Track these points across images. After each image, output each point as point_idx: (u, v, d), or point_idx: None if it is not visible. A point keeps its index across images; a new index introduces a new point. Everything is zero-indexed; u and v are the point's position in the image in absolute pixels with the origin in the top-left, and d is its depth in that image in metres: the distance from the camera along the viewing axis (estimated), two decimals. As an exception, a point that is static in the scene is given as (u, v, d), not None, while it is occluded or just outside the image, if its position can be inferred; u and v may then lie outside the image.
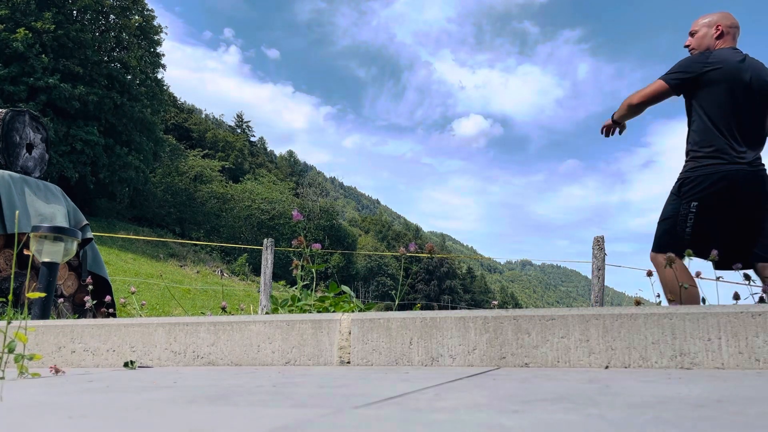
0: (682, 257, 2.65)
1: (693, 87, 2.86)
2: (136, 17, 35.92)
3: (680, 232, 2.77)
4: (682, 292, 2.56)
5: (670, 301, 2.61)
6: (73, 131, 30.86)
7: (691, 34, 3.08)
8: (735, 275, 2.57)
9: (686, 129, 2.98)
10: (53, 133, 29.00)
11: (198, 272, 26.74)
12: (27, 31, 28.77)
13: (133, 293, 3.57)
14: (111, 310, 3.74)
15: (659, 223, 2.88)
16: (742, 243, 2.78)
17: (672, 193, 2.88)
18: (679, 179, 2.87)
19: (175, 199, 41.24)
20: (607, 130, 3.20)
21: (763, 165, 2.87)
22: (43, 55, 29.57)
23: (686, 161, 2.89)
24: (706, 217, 2.74)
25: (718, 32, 2.98)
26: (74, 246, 3.46)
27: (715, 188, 2.74)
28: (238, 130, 77.75)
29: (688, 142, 2.93)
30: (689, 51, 3.07)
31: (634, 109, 3.01)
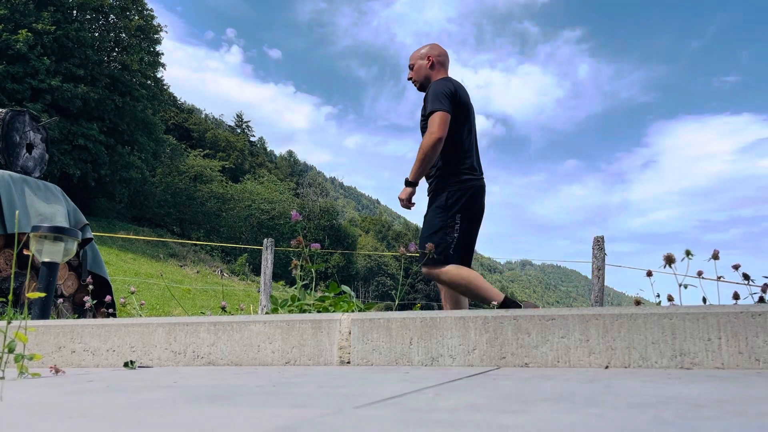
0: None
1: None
2: (136, 17, 35.93)
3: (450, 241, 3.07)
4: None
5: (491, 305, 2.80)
6: (74, 128, 30.93)
7: (411, 68, 3.35)
8: (735, 275, 2.57)
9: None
10: (56, 132, 29.05)
11: (198, 272, 26.74)
12: (29, 33, 28.82)
13: (133, 293, 3.57)
14: (111, 310, 3.74)
15: (431, 237, 3.07)
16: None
17: (438, 207, 3.09)
18: (442, 193, 3.10)
19: (175, 199, 41.22)
20: (408, 200, 3.17)
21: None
22: (45, 58, 29.63)
23: (445, 177, 3.14)
24: (467, 226, 3.11)
25: (430, 63, 3.29)
26: (74, 246, 3.46)
27: (473, 200, 3.12)
28: (238, 130, 77.76)
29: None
30: (412, 83, 3.36)
31: (432, 153, 3.03)
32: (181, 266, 27.68)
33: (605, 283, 6.05)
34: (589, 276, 6.17)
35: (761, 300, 2.29)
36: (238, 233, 44.42)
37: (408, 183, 3.12)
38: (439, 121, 2.97)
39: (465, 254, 3.12)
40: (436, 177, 3.14)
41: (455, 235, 3.04)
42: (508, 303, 2.79)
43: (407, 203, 3.15)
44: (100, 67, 33.32)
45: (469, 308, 3.38)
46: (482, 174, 3.25)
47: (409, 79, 3.37)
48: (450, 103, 3.03)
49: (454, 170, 3.09)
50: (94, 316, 4.12)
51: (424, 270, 3.06)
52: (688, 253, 2.48)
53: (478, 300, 3.00)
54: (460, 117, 3.12)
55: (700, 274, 2.64)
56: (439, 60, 3.30)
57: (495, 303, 2.74)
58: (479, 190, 3.15)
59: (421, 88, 3.29)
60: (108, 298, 3.67)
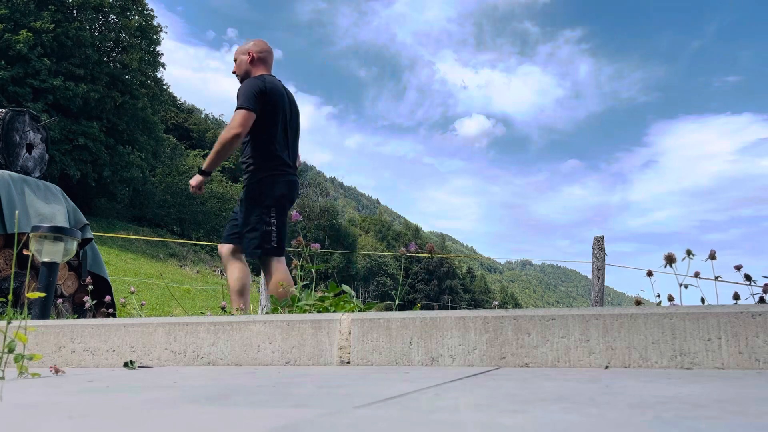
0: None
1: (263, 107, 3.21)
2: (136, 17, 35.93)
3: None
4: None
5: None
6: (75, 127, 30.95)
7: (235, 61, 3.45)
8: (734, 275, 2.57)
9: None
10: (56, 131, 29.04)
11: (198, 272, 26.74)
12: (29, 33, 28.83)
13: (132, 293, 3.57)
14: (111, 310, 3.74)
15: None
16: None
17: (252, 201, 3.24)
18: (255, 188, 3.22)
19: (174, 199, 41.22)
20: (199, 188, 3.37)
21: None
22: (45, 58, 29.64)
23: (257, 173, 3.26)
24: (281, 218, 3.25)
25: (251, 58, 3.38)
26: (74, 246, 3.45)
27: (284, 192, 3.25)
28: (238, 130, 77.63)
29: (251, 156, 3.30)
30: (236, 76, 3.45)
31: (229, 147, 3.17)
32: (181, 266, 27.68)
33: (605, 283, 6.05)
34: (589, 276, 6.17)
35: (761, 300, 2.29)
36: (238, 233, 44.36)
37: (201, 172, 3.32)
38: (240, 118, 3.10)
39: (281, 245, 3.27)
40: (250, 172, 3.26)
41: (273, 228, 3.18)
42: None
43: (197, 189, 3.38)
44: (100, 66, 33.33)
45: (469, 308, 3.45)
46: (296, 170, 3.40)
47: (234, 72, 3.46)
48: (256, 102, 3.13)
49: (266, 166, 3.22)
50: (94, 316, 4.12)
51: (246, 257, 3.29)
52: (689, 252, 2.48)
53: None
54: (272, 115, 3.22)
55: (697, 274, 2.63)
56: (260, 56, 3.39)
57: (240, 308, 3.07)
58: (291, 185, 3.29)
59: (241, 82, 3.39)
60: (108, 298, 3.67)
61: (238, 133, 3.09)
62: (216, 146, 3.17)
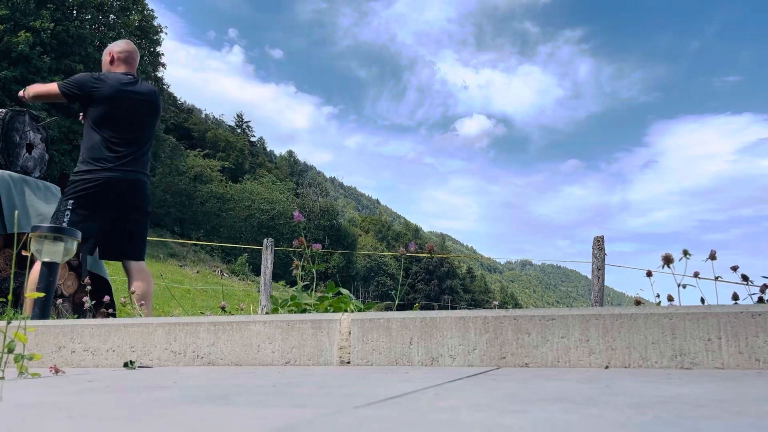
0: None
1: (85, 102, 3.36)
2: (136, 17, 35.94)
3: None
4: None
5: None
6: (75, 127, 30.91)
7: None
8: (735, 275, 2.57)
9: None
10: (55, 131, 29.02)
11: (198, 272, 26.73)
12: (28, 33, 28.84)
13: (133, 293, 3.56)
14: (111, 310, 3.74)
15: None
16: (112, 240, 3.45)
17: (63, 192, 3.36)
18: (70, 179, 3.35)
19: (175, 199, 41.23)
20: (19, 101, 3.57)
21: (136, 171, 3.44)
22: (45, 56, 29.62)
23: (78, 165, 3.39)
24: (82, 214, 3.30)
25: (111, 58, 3.56)
26: (74, 246, 3.45)
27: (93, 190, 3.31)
28: (238, 130, 77.71)
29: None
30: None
31: (32, 99, 3.44)
32: (181, 266, 27.67)
33: (605, 283, 6.05)
34: (589, 276, 6.17)
35: (760, 300, 2.29)
36: (238, 233, 44.41)
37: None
38: (48, 86, 3.39)
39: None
40: (77, 164, 3.41)
41: (64, 221, 3.28)
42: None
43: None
44: (101, 64, 33.32)
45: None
46: (129, 168, 3.41)
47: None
48: (71, 88, 3.32)
49: (84, 160, 3.34)
50: (94, 316, 4.12)
51: None
52: (685, 252, 2.48)
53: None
54: (100, 112, 3.35)
55: (696, 274, 2.63)
56: (120, 56, 3.55)
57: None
58: (107, 182, 3.33)
59: None
60: (108, 298, 3.66)
61: (37, 93, 3.40)
62: (38, 87, 3.43)
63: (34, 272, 3.23)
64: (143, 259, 3.61)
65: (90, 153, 3.33)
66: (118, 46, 3.57)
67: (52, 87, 3.35)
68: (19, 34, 28.70)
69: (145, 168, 3.53)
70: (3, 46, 28.62)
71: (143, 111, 3.48)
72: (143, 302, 3.34)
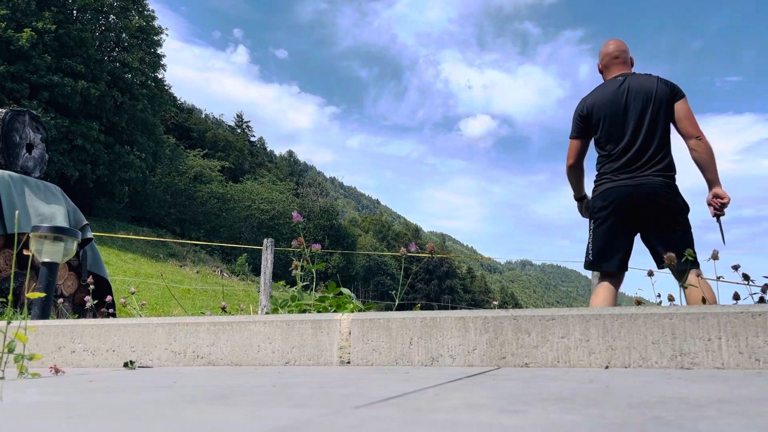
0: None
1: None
2: (136, 18, 35.95)
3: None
4: None
5: None
6: (74, 127, 30.92)
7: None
8: (735, 275, 2.57)
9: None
10: (54, 130, 29.01)
11: (198, 272, 26.74)
12: (32, 33, 28.83)
13: (133, 293, 3.57)
14: (111, 310, 3.74)
15: None
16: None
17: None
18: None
19: (174, 199, 41.23)
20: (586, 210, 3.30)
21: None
22: (46, 55, 29.62)
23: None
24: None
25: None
26: (74, 246, 3.45)
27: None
28: (238, 130, 77.72)
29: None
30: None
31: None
32: (181, 266, 27.67)
33: (605, 283, 6.03)
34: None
35: (761, 300, 2.29)
36: (238, 233, 44.41)
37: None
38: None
39: None
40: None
41: None
42: None
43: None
44: (101, 64, 33.33)
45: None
46: None
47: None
48: None
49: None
50: (94, 316, 4.12)
51: None
52: (690, 254, 2.48)
53: None
54: None
55: (698, 275, 2.63)
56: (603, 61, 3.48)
57: None
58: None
59: None
60: (108, 298, 3.67)
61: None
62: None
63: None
64: None
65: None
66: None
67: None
68: (24, 31, 28.68)
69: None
70: (3, 40, 28.57)
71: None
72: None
